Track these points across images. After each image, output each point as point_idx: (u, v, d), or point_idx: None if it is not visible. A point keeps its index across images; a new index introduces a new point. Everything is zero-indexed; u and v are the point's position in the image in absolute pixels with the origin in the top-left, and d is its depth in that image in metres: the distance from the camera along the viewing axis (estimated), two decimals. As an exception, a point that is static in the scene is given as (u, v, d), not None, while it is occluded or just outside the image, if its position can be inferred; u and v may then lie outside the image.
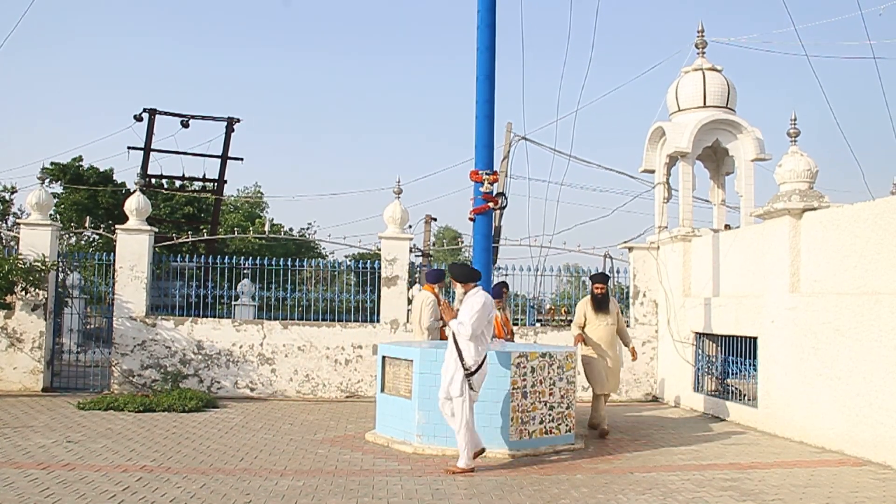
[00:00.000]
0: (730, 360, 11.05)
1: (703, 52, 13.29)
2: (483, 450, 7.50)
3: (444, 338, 10.06)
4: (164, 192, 26.14)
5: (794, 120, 9.93)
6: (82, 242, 28.75)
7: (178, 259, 13.20)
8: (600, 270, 13.58)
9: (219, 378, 12.46)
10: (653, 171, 13.66)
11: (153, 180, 23.11)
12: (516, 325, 13.52)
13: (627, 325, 11.71)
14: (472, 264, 9.10)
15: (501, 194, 10.18)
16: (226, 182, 23.90)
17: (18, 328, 12.30)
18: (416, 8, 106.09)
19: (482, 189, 9.30)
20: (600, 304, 9.87)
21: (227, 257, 13.24)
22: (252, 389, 12.49)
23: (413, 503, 6.15)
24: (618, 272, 13.80)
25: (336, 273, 14.71)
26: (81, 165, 28.87)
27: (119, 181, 29.14)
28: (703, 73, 12.96)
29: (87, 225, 20.98)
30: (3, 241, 20.65)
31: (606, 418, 9.67)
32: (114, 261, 12.70)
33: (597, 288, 9.93)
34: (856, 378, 8.22)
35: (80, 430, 9.14)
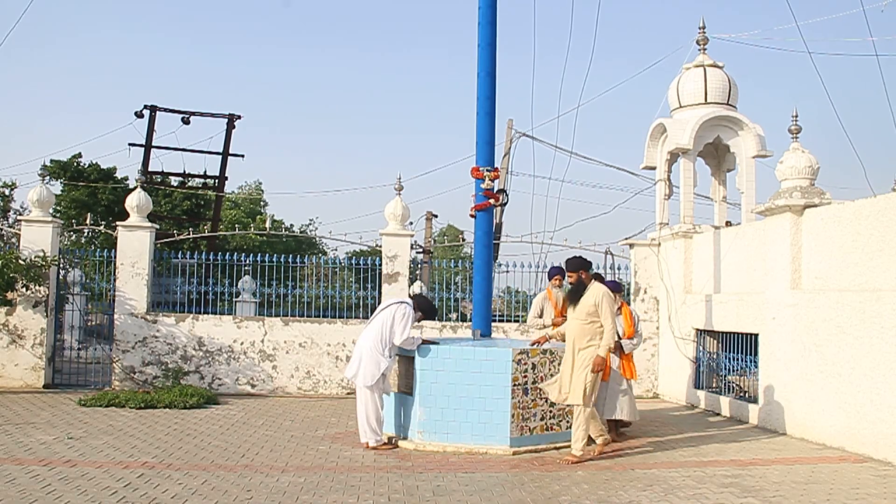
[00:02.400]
0: (731, 356, 11.05)
1: (705, 49, 13.27)
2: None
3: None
4: (165, 188, 26.15)
5: (796, 116, 9.92)
6: (83, 239, 28.78)
7: (180, 255, 13.23)
8: (599, 266, 13.57)
9: (220, 375, 12.48)
10: (654, 168, 13.65)
11: (154, 177, 23.11)
12: (516, 321, 13.52)
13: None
14: (472, 261, 9.18)
15: (502, 191, 10.13)
16: (227, 179, 23.93)
17: (20, 325, 12.31)
18: (418, 5, 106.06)
19: (483, 185, 9.30)
20: (570, 297, 8.20)
21: (227, 254, 13.24)
22: (253, 386, 12.51)
23: (414, 500, 6.16)
24: (619, 269, 13.80)
25: (337, 270, 14.71)
26: (80, 162, 28.90)
27: (119, 178, 29.19)
28: (705, 70, 12.94)
29: (87, 222, 20.99)
30: (5, 238, 20.66)
31: (582, 439, 7.70)
32: (115, 257, 12.71)
33: (562, 279, 9.12)
34: (857, 375, 8.22)
35: (81, 426, 9.16)
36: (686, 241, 12.53)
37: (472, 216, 9.54)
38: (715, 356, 11.56)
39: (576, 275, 8.12)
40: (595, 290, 7.92)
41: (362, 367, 8.24)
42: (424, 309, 8.69)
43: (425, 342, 8.43)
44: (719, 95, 12.84)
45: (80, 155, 29.14)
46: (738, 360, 10.85)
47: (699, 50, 13.31)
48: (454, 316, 15.36)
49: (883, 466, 7.58)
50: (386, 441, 8.33)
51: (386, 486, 6.59)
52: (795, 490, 6.62)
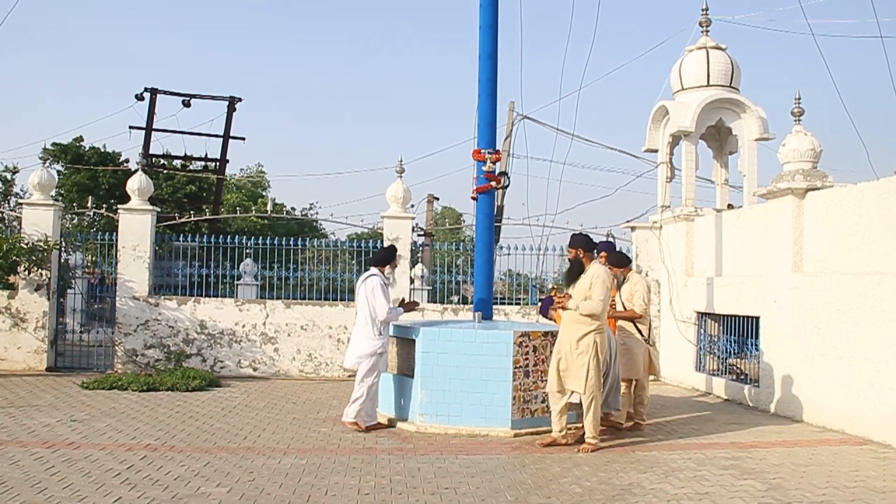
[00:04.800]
0: (732, 339, 11.06)
1: (707, 31, 13.19)
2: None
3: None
4: (166, 171, 26.09)
5: (799, 99, 9.86)
6: (84, 223, 28.79)
7: (181, 239, 13.21)
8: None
9: (222, 357, 12.51)
10: (656, 151, 13.61)
11: (155, 160, 23.05)
12: (517, 303, 13.52)
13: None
14: (474, 243, 9.10)
15: (504, 173, 10.12)
16: (228, 161, 23.80)
17: (22, 308, 12.34)
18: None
19: (484, 168, 9.28)
20: (569, 276, 7.67)
21: (229, 237, 13.24)
22: (255, 369, 12.54)
23: (415, 481, 6.18)
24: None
25: (338, 252, 14.71)
26: (82, 145, 28.83)
27: (120, 161, 29.13)
28: (707, 52, 12.86)
29: (89, 205, 20.96)
30: (6, 222, 20.65)
31: (562, 428, 7.60)
32: (116, 241, 12.72)
33: (568, 253, 7.79)
34: (857, 358, 8.23)
35: (84, 409, 9.19)
36: (688, 224, 12.51)
37: (473, 199, 9.53)
38: (716, 339, 11.57)
39: (574, 252, 7.57)
40: (592, 271, 7.46)
41: (355, 351, 8.28)
42: (379, 260, 8.46)
43: (408, 307, 8.48)
44: (722, 78, 12.77)
45: (81, 138, 29.07)
46: (739, 342, 10.87)
47: (702, 32, 13.23)
48: (455, 298, 15.37)
49: (882, 449, 7.61)
50: (376, 423, 8.37)
51: (387, 467, 6.62)
52: (795, 472, 6.65)
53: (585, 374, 7.28)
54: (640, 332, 8.88)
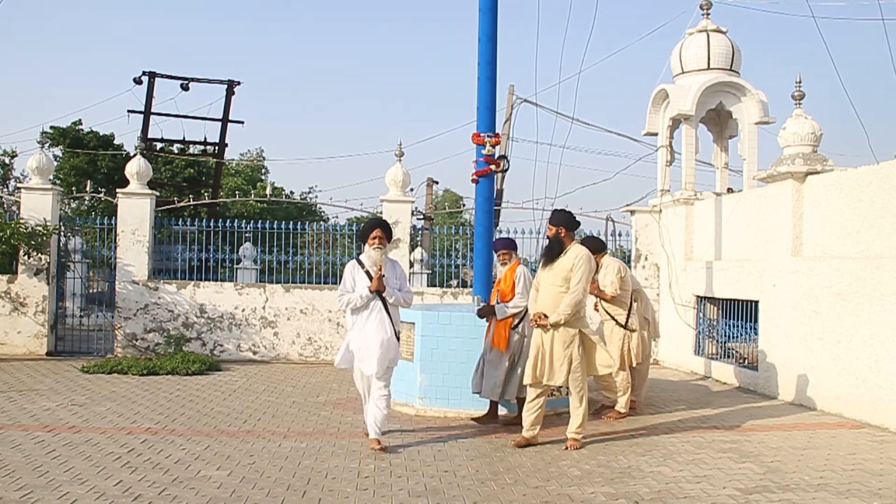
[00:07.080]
0: (731, 323, 11.08)
1: (708, 14, 13.11)
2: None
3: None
4: (165, 155, 26.01)
5: (799, 82, 9.82)
6: (83, 207, 28.75)
7: (180, 223, 13.21)
8: (600, 233, 13.54)
9: (221, 341, 12.53)
10: (656, 134, 13.58)
11: (154, 144, 22.98)
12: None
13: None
14: (474, 227, 9.03)
15: (503, 157, 10.04)
16: (227, 145, 23.76)
17: (22, 292, 12.35)
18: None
19: (484, 151, 9.25)
20: (547, 256, 7.03)
21: (228, 221, 13.23)
22: (255, 352, 12.57)
23: (415, 464, 6.21)
24: (620, 235, 13.80)
25: (338, 236, 14.71)
26: (81, 129, 28.74)
27: (119, 144, 29.06)
28: (708, 35, 12.80)
29: (87, 189, 20.93)
30: (5, 206, 20.62)
31: (534, 426, 6.92)
32: (115, 225, 12.70)
33: (548, 230, 7.13)
34: (856, 342, 8.25)
35: (84, 393, 9.22)
36: (687, 208, 12.50)
37: (473, 182, 9.50)
38: (715, 323, 11.59)
39: (555, 229, 6.97)
40: (576, 251, 6.89)
41: None
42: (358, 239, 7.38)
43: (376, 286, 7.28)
44: (722, 61, 12.72)
45: (80, 122, 28.99)
46: (738, 326, 10.89)
47: (702, 15, 13.16)
48: (455, 282, 15.38)
49: (880, 432, 7.64)
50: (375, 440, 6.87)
51: (388, 450, 6.64)
52: (793, 455, 6.68)
53: (568, 367, 6.74)
54: (614, 318, 8.44)
